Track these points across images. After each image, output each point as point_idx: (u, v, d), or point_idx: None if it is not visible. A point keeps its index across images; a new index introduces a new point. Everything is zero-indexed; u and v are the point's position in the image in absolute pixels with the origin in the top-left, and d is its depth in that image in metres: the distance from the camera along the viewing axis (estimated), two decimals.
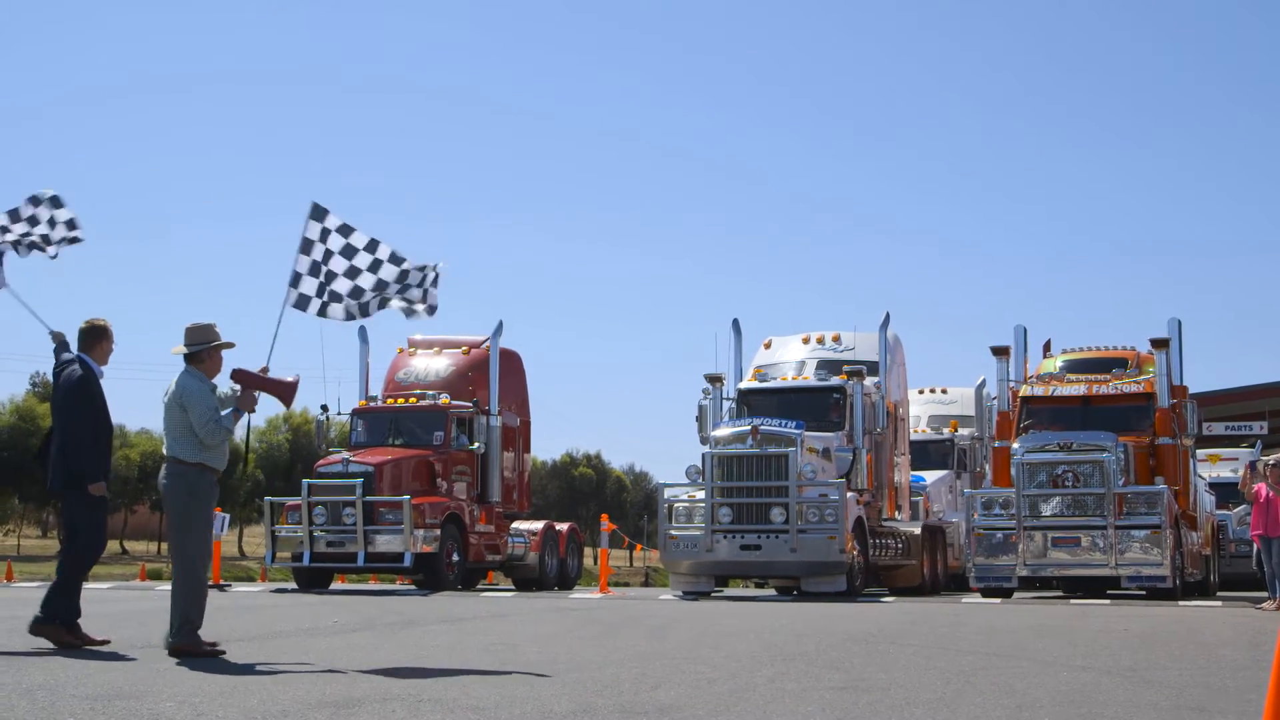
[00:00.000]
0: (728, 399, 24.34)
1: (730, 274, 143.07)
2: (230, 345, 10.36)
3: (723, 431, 22.34)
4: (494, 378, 26.54)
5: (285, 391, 10.34)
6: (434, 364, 27.14)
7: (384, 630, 12.83)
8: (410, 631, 12.70)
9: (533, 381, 29.12)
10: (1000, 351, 24.11)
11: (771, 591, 26.76)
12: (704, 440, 23.22)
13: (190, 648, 9.77)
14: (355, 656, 9.93)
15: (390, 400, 26.20)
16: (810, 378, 24.10)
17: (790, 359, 24.88)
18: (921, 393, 33.05)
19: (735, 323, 25.34)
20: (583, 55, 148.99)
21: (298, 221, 11.48)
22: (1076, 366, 24.40)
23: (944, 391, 33.12)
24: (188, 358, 10.22)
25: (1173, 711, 7.26)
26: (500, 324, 26.99)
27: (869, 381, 23.45)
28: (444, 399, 25.75)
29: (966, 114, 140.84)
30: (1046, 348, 25.79)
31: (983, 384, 29.69)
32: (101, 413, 10.80)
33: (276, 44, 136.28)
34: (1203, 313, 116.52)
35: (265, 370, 10.42)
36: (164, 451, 10.11)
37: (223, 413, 10.07)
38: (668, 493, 22.69)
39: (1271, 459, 21.03)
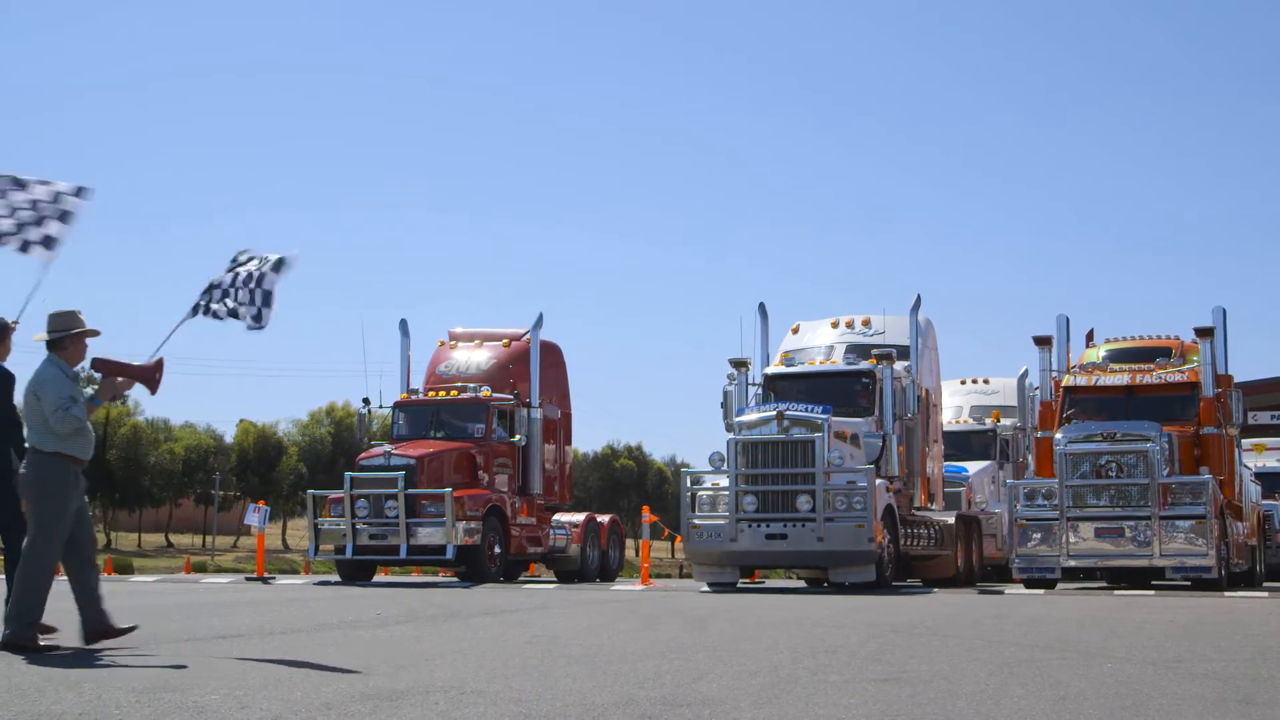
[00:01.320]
0: (753, 384, 23.71)
1: (770, 265, 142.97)
2: (95, 333, 10.02)
3: (748, 417, 21.66)
4: (534, 370, 26.66)
5: (147, 376, 10.09)
6: (475, 356, 27.26)
7: (426, 622, 12.88)
8: (452, 624, 12.74)
9: (574, 373, 29.21)
10: (1042, 341, 23.96)
11: (800, 582, 26.32)
12: (729, 427, 22.66)
13: (23, 641, 9.40)
14: (398, 649, 9.98)
15: (431, 393, 26.33)
16: (839, 362, 23.42)
17: (818, 343, 24.18)
18: (964, 383, 32.99)
19: (761, 306, 24.78)
20: (616, 53, 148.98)
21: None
22: (1120, 356, 24.22)
23: (986, 382, 33.00)
24: (49, 345, 9.89)
25: (1218, 704, 7.20)
26: (540, 316, 27.12)
27: (899, 366, 22.80)
28: (485, 391, 25.89)
29: (1008, 104, 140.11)
30: (1090, 337, 25.63)
31: (1025, 374, 29.56)
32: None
33: (285, 39, 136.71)
34: (1249, 301, 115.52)
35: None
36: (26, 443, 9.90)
37: (76, 401, 9.69)
38: (691, 480, 22.01)
39: None
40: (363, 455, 25.20)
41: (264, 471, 72.30)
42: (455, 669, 8.49)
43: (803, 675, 8.27)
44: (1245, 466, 27.86)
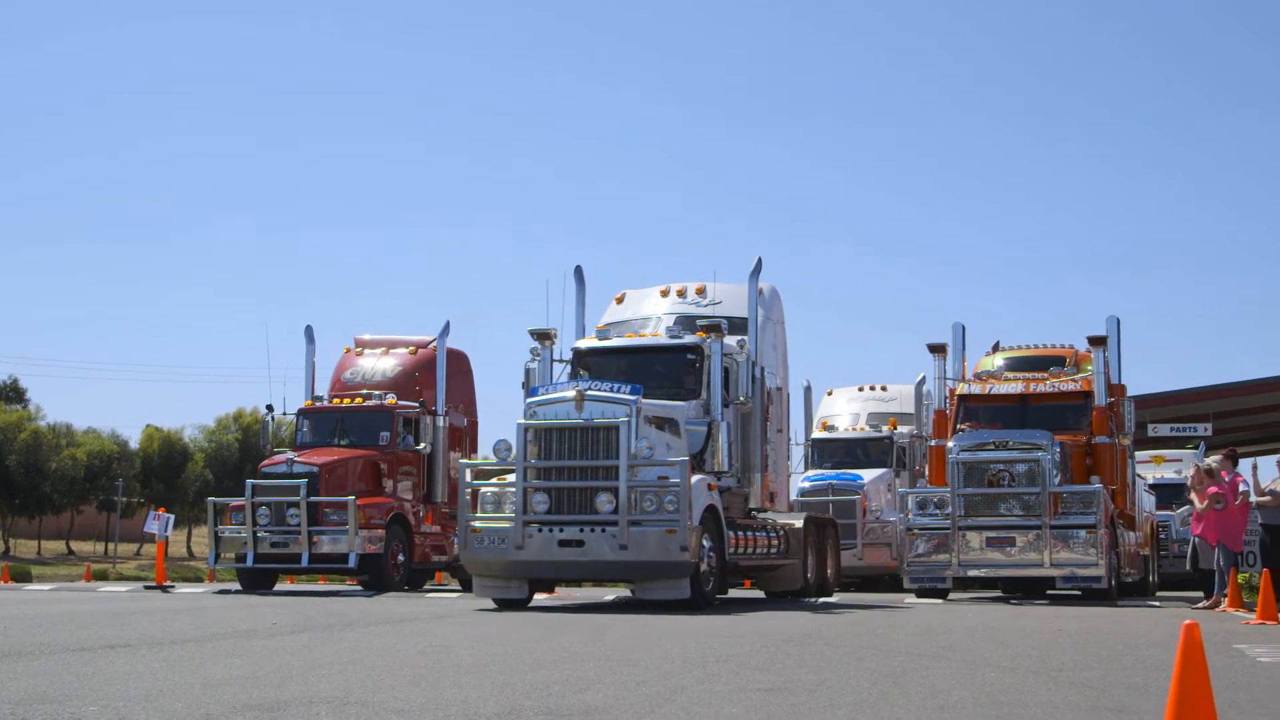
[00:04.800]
0: (561, 361, 20.15)
1: (690, 275, 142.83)
2: None
3: (541, 397, 18.00)
4: (441, 378, 26.64)
5: None
6: (381, 364, 27.19)
7: (322, 632, 12.83)
8: (348, 633, 12.70)
9: (481, 382, 29.22)
10: (937, 349, 23.96)
11: (619, 594, 23.32)
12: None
13: None
14: (289, 659, 9.93)
15: (336, 400, 26.24)
16: (661, 335, 19.98)
17: (644, 315, 20.88)
18: (861, 390, 33.29)
19: (578, 270, 21.45)
20: (534, 56, 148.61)
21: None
22: (1015, 364, 24.44)
23: (884, 389, 33.25)
24: None
25: (1091, 712, 7.38)
26: (447, 324, 27.12)
27: (731, 340, 19.35)
28: (390, 399, 25.84)
29: (913, 110, 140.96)
30: (996, 348, 25.84)
31: (922, 381, 29.77)
32: None
33: (256, 49, 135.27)
34: (1153, 315, 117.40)
35: None
36: None
37: None
38: (472, 474, 18.62)
39: (1209, 460, 21.29)
40: (265, 462, 25.07)
41: (169, 478, 71.29)
42: (343, 679, 8.49)
43: (689, 685, 8.35)
44: (1140, 476, 28.33)
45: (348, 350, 27.97)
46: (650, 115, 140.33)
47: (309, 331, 27.49)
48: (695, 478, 17.39)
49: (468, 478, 18.37)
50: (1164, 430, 40.70)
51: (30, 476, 64.45)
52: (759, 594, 22.95)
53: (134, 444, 75.00)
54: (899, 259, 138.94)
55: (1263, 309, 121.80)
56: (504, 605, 17.91)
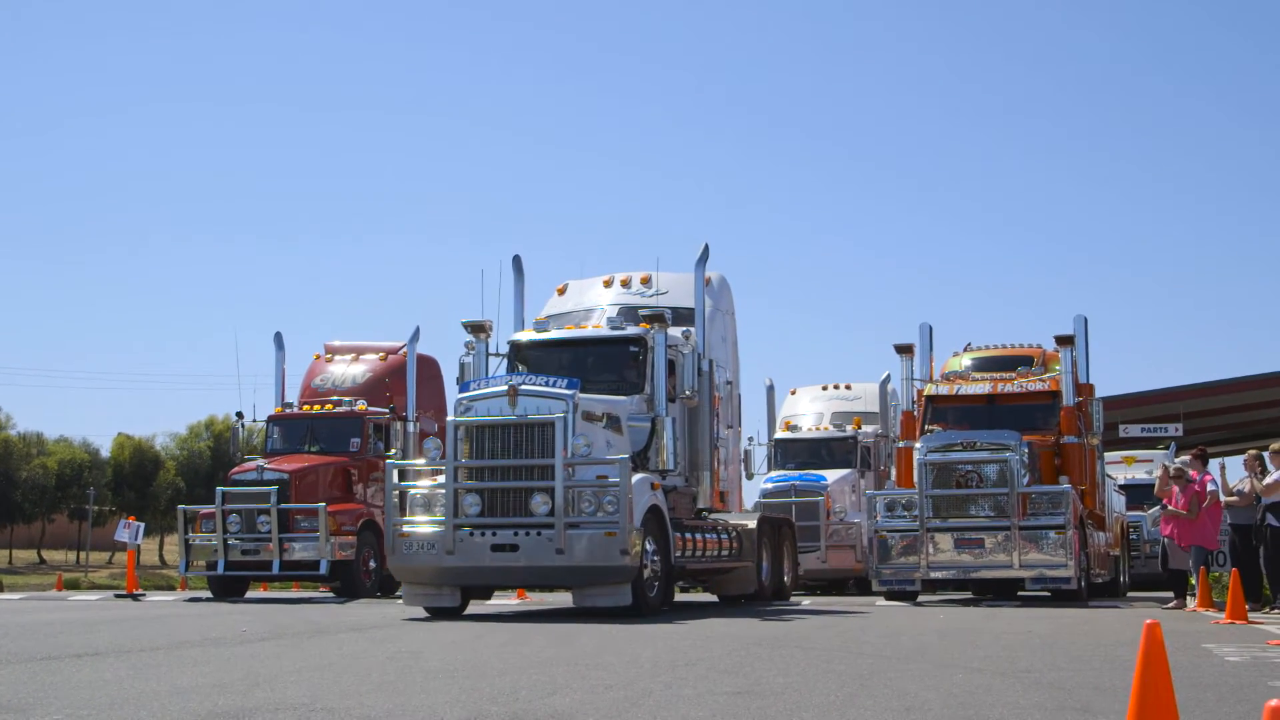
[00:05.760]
0: (498, 355, 19.14)
1: (641, 266, 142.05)
2: None
3: (471, 392, 16.95)
4: (411, 384, 26.59)
5: None
6: (351, 370, 27.21)
7: (291, 639, 12.79)
8: (317, 640, 12.67)
9: (451, 387, 29.19)
10: (904, 349, 23.83)
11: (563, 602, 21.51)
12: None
13: None
14: (257, 666, 9.90)
15: (306, 407, 26.24)
16: (603, 326, 18.99)
17: (587, 306, 19.97)
18: (825, 388, 33.01)
19: (516, 260, 20.45)
20: (485, 58, 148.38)
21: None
22: (983, 364, 24.36)
23: (848, 387, 32.90)
24: None
25: (1057, 712, 7.40)
26: (417, 330, 27.06)
27: (676, 331, 18.43)
28: (360, 405, 25.86)
29: (879, 105, 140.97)
30: (967, 349, 25.78)
31: (887, 379, 29.48)
32: None
33: (220, 60, 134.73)
34: (1124, 314, 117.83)
35: None
36: None
37: None
38: (399, 475, 17.37)
39: (1178, 460, 21.41)
40: (235, 469, 25.05)
41: (141, 486, 71.09)
42: (311, 686, 8.46)
43: (657, 689, 8.35)
44: (1110, 477, 28.35)
45: (318, 356, 27.98)
46: (604, 106, 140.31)
47: (279, 338, 27.45)
48: (637, 477, 16.45)
49: (395, 478, 17.19)
50: (1134, 430, 40.84)
51: (1, 485, 64.20)
52: (712, 598, 22.31)
53: (105, 452, 74.79)
54: (864, 256, 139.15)
55: (1233, 309, 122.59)
56: (436, 614, 16.96)
